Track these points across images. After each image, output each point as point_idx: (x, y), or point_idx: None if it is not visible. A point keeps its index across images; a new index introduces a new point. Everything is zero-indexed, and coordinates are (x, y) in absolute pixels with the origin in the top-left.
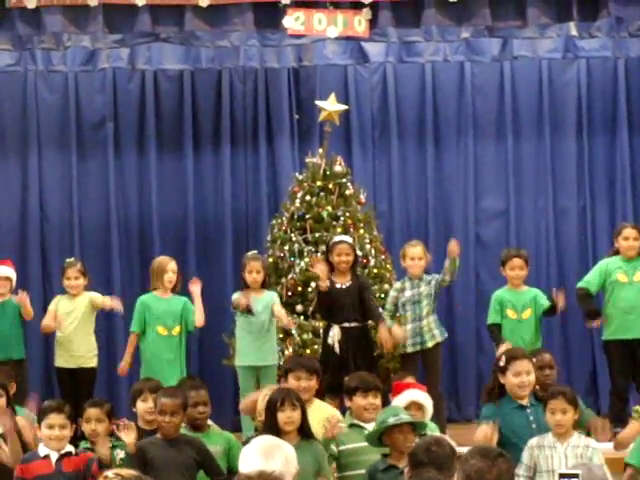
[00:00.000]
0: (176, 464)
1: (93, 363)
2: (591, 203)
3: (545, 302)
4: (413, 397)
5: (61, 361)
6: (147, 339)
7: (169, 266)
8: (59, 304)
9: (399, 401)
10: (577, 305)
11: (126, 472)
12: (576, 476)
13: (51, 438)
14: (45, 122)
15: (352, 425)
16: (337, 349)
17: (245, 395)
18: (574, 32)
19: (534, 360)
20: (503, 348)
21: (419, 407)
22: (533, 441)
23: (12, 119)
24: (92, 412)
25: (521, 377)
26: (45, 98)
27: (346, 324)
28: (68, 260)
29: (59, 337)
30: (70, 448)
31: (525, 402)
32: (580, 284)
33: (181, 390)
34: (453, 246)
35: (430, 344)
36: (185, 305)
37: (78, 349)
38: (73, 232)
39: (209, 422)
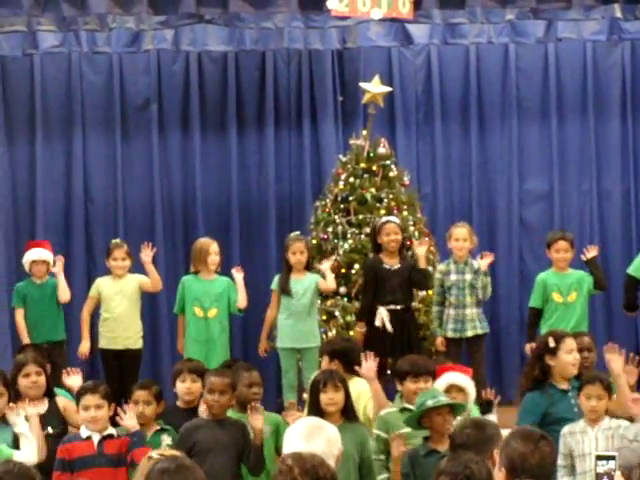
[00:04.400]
0: (223, 446)
1: (139, 345)
2: (635, 186)
3: (590, 281)
4: (452, 380)
5: (105, 342)
6: (187, 321)
7: (212, 248)
8: (101, 286)
9: (439, 384)
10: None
11: (169, 453)
12: (613, 458)
13: (88, 420)
14: (89, 104)
15: (403, 409)
16: (390, 329)
17: (287, 376)
18: (619, 14)
19: None
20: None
21: (460, 390)
22: (565, 429)
23: (56, 101)
24: (140, 394)
25: (574, 354)
26: (89, 80)
27: (392, 306)
28: (114, 241)
29: (105, 319)
30: (112, 430)
31: (566, 386)
32: (630, 271)
33: (230, 370)
34: None
35: (470, 333)
36: (228, 286)
37: (126, 330)
38: (117, 214)
39: None
